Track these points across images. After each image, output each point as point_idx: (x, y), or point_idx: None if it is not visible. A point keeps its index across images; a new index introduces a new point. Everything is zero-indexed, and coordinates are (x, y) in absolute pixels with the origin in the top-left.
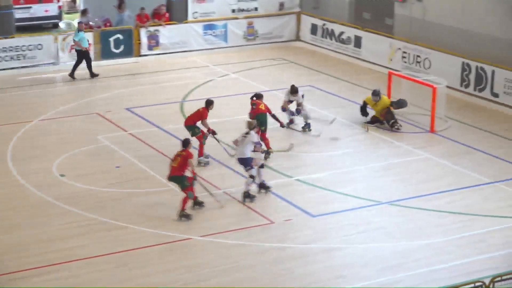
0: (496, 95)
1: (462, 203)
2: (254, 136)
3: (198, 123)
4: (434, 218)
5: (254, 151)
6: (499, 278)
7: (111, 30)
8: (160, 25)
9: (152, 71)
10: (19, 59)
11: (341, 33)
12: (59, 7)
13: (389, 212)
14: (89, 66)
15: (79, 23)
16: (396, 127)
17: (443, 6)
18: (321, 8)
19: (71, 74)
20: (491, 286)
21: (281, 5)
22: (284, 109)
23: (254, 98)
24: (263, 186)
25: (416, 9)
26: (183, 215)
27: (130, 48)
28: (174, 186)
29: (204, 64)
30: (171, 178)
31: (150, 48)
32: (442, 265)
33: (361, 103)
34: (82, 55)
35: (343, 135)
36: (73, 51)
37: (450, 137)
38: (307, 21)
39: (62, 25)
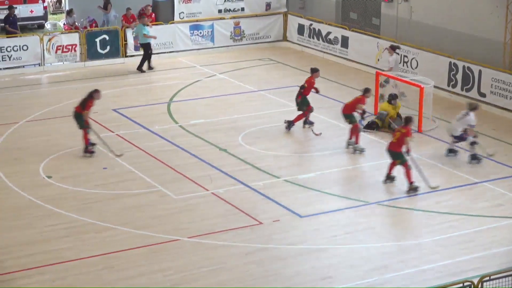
0: (483, 95)
1: (450, 203)
2: (472, 119)
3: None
4: (422, 218)
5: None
6: (488, 278)
7: (97, 31)
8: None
9: (139, 72)
10: (4, 60)
11: (328, 33)
12: (45, 7)
13: (377, 212)
14: (149, 59)
15: (143, 18)
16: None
17: (429, 6)
18: (308, 9)
19: (140, 68)
20: (479, 286)
21: (268, 6)
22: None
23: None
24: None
25: (402, 9)
26: (412, 188)
27: (116, 48)
28: (162, 187)
29: (191, 64)
30: (389, 151)
31: (136, 48)
32: (430, 265)
33: (376, 116)
34: (148, 48)
35: (331, 136)
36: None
37: (437, 137)
38: (294, 22)
39: (48, 25)
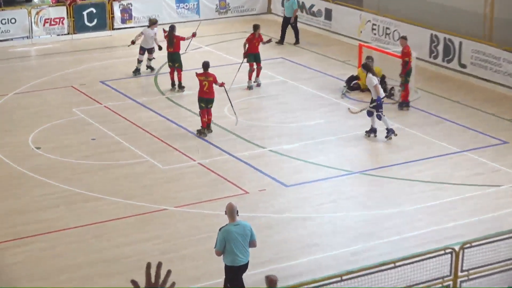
0: (464, 66)
1: (432, 172)
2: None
3: None
4: (404, 186)
5: None
6: (469, 245)
7: (85, 4)
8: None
9: (125, 45)
10: None
11: (312, 5)
12: None
13: (360, 181)
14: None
15: None
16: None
17: None
18: None
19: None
20: (461, 252)
21: None
22: None
23: None
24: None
25: None
26: None
27: (103, 21)
28: (150, 158)
29: None
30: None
31: (123, 21)
32: (412, 233)
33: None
34: (287, 22)
35: (314, 106)
36: None
37: (419, 108)
38: None
39: None
